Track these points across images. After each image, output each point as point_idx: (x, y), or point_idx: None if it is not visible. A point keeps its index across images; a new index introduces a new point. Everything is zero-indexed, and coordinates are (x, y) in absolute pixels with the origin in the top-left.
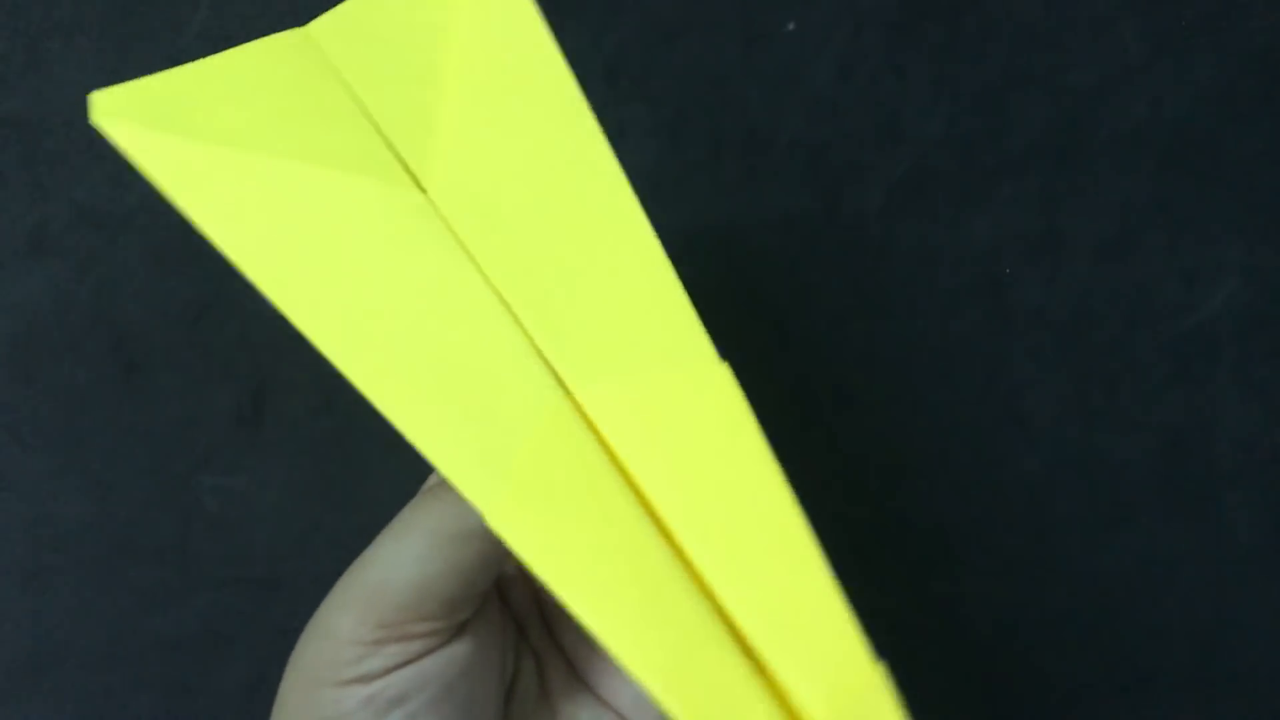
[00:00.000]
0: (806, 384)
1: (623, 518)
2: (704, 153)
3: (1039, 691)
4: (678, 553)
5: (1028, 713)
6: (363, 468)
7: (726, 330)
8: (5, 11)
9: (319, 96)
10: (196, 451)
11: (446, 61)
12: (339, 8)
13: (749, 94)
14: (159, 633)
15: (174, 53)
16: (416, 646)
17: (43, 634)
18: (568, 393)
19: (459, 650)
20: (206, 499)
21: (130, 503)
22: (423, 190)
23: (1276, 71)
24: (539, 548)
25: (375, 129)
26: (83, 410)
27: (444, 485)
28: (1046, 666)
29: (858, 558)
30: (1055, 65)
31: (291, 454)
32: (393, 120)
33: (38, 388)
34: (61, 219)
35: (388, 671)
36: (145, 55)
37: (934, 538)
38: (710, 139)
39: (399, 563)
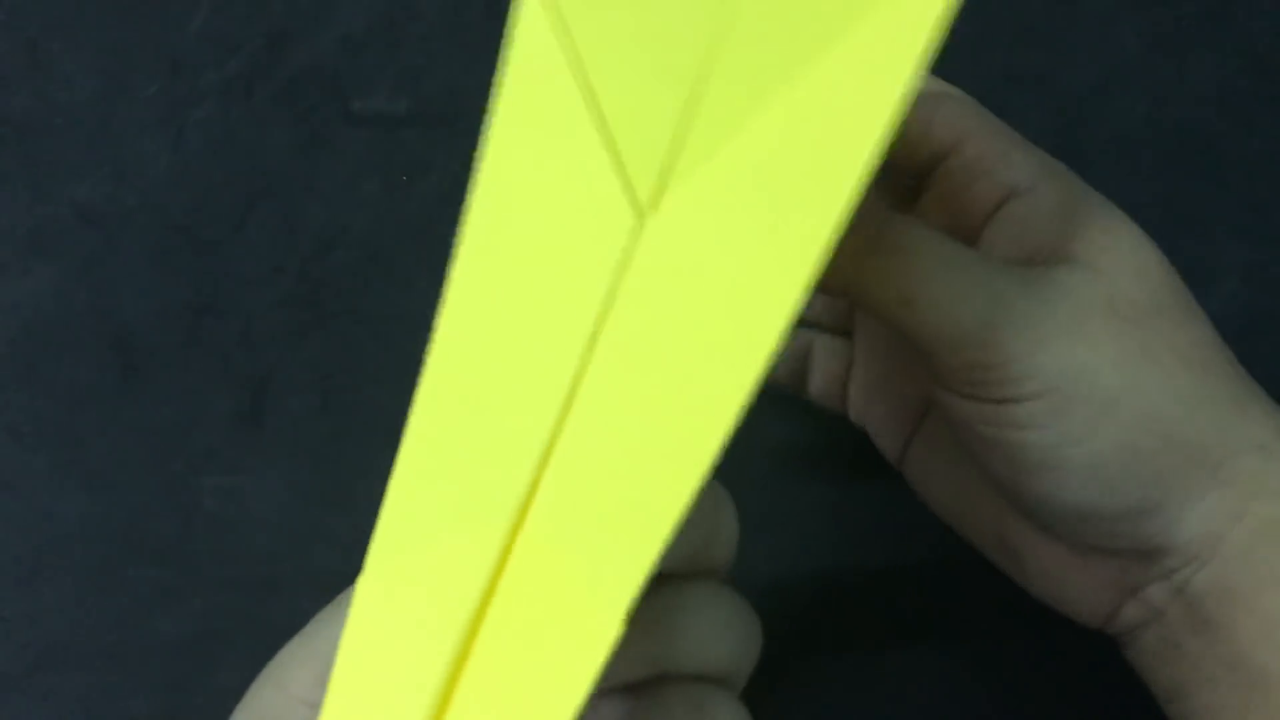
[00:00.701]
0: None
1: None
2: None
3: (1047, 693)
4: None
5: (1042, 714)
6: (363, 468)
7: None
8: (5, 11)
9: (681, 48)
10: (196, 451)
11: (817, 62)
12: None
13: None
14: (158, 633)
15: (174, 53)
16: None
17: (42, 634)
18: (514, 534)
19: None
20: (206, 499)
21: (130, 503)
22: (648, 213)
23: (1276, 71)
24: (364, 621)
25: (684, 109)
26: (83, 410)
27: None
28: (1050, 668)
29: (859, 556)
30: (1055, 65)
31: (291, 454)
32: (708, 104)
33: (38, 388)
34: (61, 219)
35: None
36: (145, 55)
37: (934, 537)
38: None
39: None
